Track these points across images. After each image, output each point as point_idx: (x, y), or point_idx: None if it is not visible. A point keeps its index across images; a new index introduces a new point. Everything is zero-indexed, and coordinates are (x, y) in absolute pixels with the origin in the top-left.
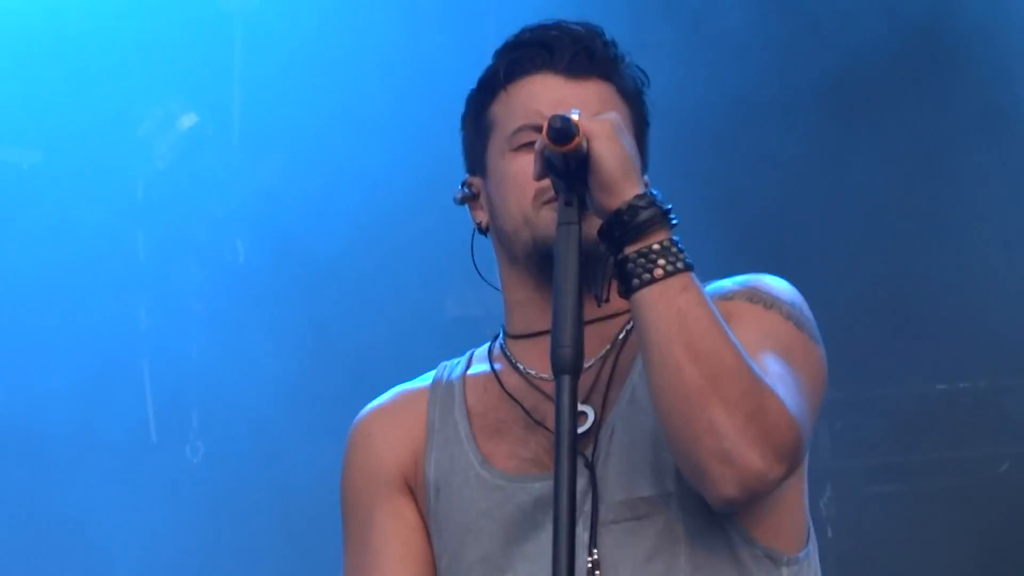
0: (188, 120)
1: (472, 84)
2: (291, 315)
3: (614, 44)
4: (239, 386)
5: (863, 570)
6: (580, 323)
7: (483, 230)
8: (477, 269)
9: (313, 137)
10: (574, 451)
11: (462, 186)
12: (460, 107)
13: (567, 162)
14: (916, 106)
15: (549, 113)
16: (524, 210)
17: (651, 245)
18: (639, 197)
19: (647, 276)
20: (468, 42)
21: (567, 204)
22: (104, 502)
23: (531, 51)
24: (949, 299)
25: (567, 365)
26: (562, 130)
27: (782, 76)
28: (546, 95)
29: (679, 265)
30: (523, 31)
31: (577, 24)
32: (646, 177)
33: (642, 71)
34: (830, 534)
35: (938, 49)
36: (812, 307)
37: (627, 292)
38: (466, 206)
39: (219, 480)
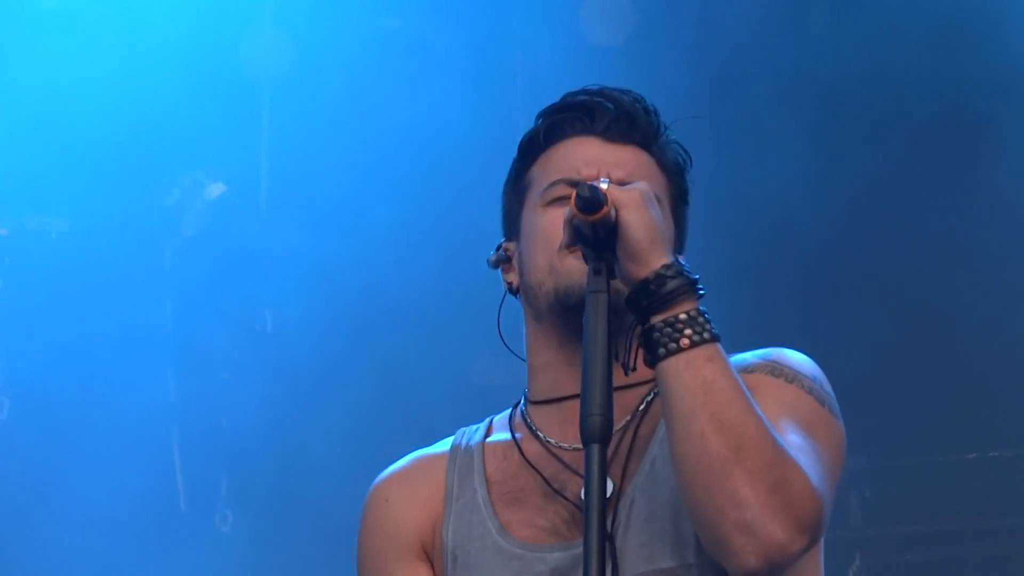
0: (216, 189)
1: (499, 148)
2: (319, 384)
3: (656, 114)
4: (269, 456)
5: None
6: (610, 391)
7: (513, 291)
8: (500, 334)
9: (340, 204)
10: (603, 519)
11: (497, 249)
12: (486, 172)
13: (595, 231)
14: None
15: (585, 170)
16: (550, 259)
17: (678, 315)
18: (667, 267)
19: (673, 346)
20: (495, 108)
21: (596, 273)
22: (134, 571)
23: (572, 115)
24: (979, 367)
25: (596, 434)
26: (591, 199)
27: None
28: (584, 153)
29: (705, 335)
30: (566, 95)
31: (620, 91)
32: (682, 256)
33: (682, 147)
34: None
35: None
36: (843, 376)
37: (653, 361)
38: (499, 270)
39: (247, 549)
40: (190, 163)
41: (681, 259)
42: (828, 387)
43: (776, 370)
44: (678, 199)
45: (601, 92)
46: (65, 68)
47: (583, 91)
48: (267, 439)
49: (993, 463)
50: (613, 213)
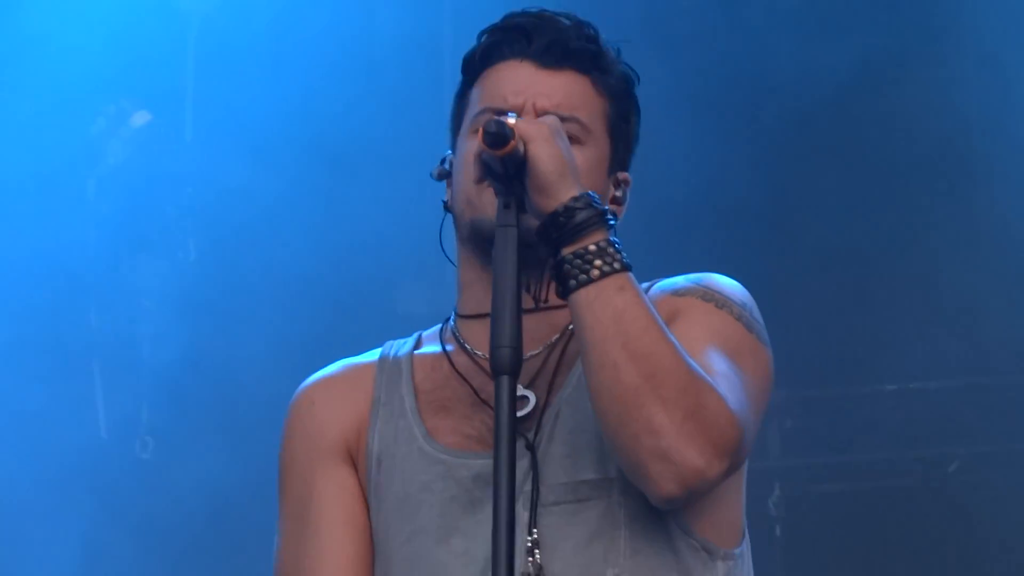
0: (141, 118)
1: (427, 71)
2: (241, 312)
3: (596, 38)
4: (190, 383)
5: (810, 569)
6: (519, 324)
7: (447, 208)
8: (442, 245)
9: (264, 133)
10: (513, 450)
11: (441, 162)
12: (414, 96)
13: (504, 165)
14: (882, 121)
15: (512, 99)
16: (468, 191)
17: (587, 246)
18: (575, 199)
19: (584, 277)
20: (423, 37)
21: (505, 207)
22: (50, 498)
23: (508, 36)
24: (900, 301)
25: (506, 366)
26: (497, 134)
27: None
28: (514, 81)
29: (616, 266)
30: (507, 16)
31: (562, 15)
32: (626, 174)
33: (630, 68)
34: (778, 532)
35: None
36: (766, 306)
37: (564, 293)
38: (444, 183)
39: (168, 476)
40: (114, 92)
41: (594, 192)
42: (757, 314)
43: (707, 295)
44: (620, 119)
45: (540, 15)
46: None
47: (523, 12)
48: (189, 367)
49: (913, 395)
50: (522, 147)
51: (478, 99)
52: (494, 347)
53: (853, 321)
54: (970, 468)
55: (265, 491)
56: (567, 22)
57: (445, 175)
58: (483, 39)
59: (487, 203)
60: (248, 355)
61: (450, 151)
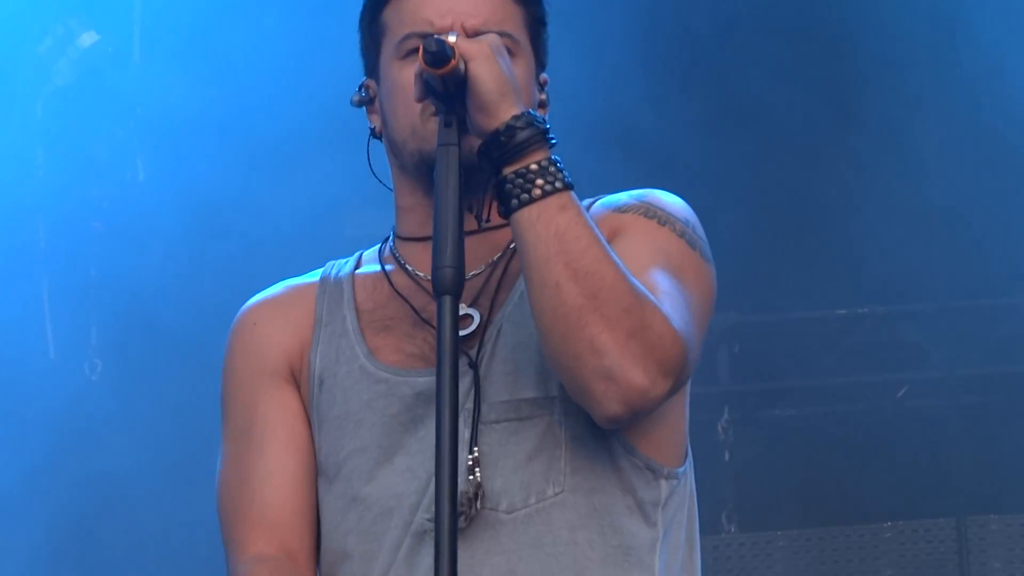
0: (88, 38)
1: None
2: (187, 234)
3: None
4: (138, 305)
5: (759, 492)
6: (461, 244)
7: (377, 135)
8: (372, 170)
9: (214, 57)
10: (455, 371)
11: (359, 89)
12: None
13: (445, 84)
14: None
15: (438, 21)
16: (412, 121)
17: (529, 165)
18: (516, 118)
19: (525, 196)
20: None
21: (446, 126)
22: (2, 419)
23: None
24: (851, 226)
25: (448, 286)
26: (438, 53)
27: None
28: (437, 3)
29: (557, 184)
30: None
31: None
32: (545, 75)
33: None
34: (727, 457)
35: None
36: (715, 231)
37: (506, 212)
38: (364, 109)
39: (116, 397)
40: (62, 11)
41: (534, 111)
42: (700, 231)
43: (649, 211)
44: (536, 24)
45: None
46: None
47: None
48: (137, 288)
49: (862, 320)
50: (462, 66)
51: (398, 23)
52: (436, 267)
53: (804, 245)
54: (920, 393)
55: (213, 413)
56: None
57: (366, 102)
58: None
59: (433, 132)
60: (196, 276)
61: (368, 74)
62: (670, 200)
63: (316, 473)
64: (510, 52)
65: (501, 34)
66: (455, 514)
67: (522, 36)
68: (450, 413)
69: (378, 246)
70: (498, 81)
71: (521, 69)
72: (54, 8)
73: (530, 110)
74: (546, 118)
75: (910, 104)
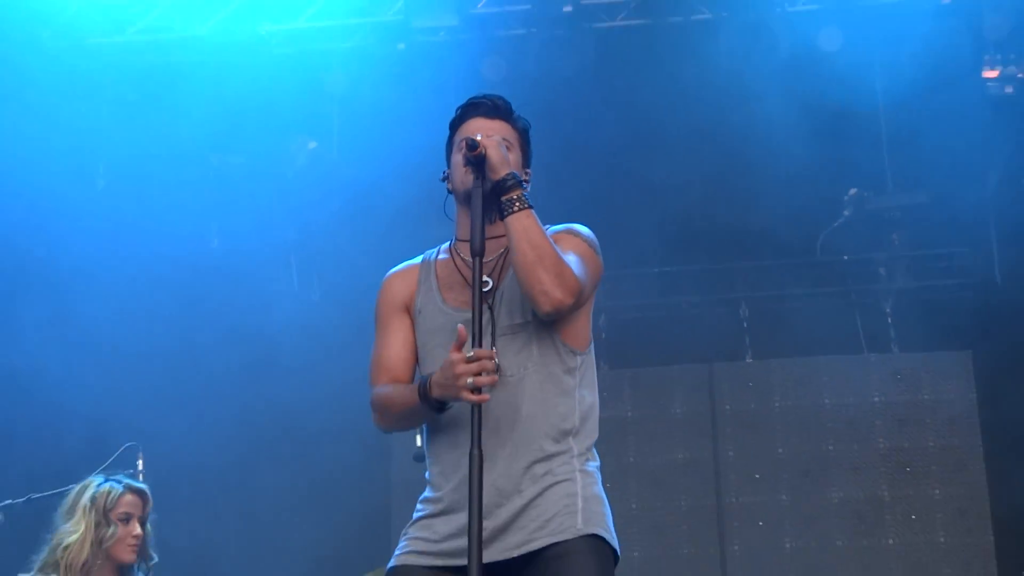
0: (311, 144)
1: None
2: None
3: (509, 105)
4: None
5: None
6: (483, 234)
7: (449, 191)
8: (445, 211)
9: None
10: (481, 299)
11: (443, 174)
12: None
13: (476, 159)
14: None
15: (473, 132)
16: (461, 177)
17: (512, 196)
18: (508, 175)
19: (511, 210)
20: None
21: (476, 178)
22: None
23: (471, 108)
24: None
25: (478, 251)
26: (471, 144)
27: None
28: (474, 125)
29: (526, 206)
30: (471, 98)
31: (493, 95)
32: (529, 169)
33: (525, 118)
34: (604, 336)
35: None
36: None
37: (502, 218)
38: (445, 182)
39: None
40: (301, 127)
41: (517, 172)
42: (596, 243)
43: (571, 231)
44: (525, 142)
45: (484, 96)
46: None
47: (477, 95)
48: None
49: None
50: (484, 151)
51: (457, 136)
52: (472, 243)
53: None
54: None
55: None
56: (496, 99)
57: (446, 177)
58: (459, 110)
59: (470, 183)
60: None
61: (446, 165)
62: (581, 227)
63: (416, 355)
64: (508, 148)
65: (504, 140)
66: (479, 543)
67: (515, 140)
68: (479, 330)
69: (448, 243)
70: (500, 158)
71: (513, 156)
72: (296, 125)
73: (514, 172)
74: (526, 181)
75: None
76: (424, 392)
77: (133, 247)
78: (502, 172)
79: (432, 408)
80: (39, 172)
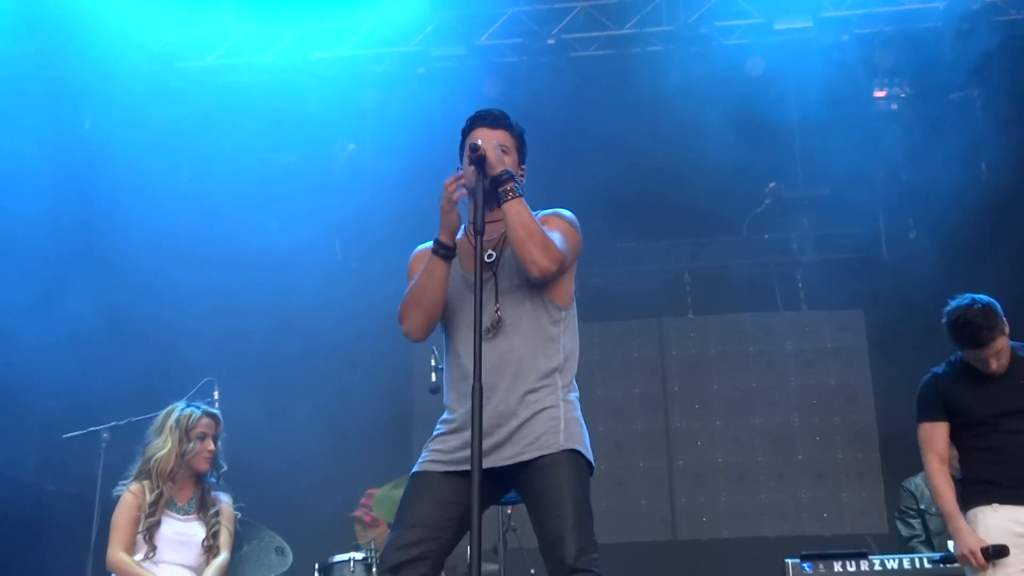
0: (352, 146)
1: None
2: None
3: (507, 117)
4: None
5: (596, 311)
6: (484, 218)
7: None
8: (466, 202)
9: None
10: (483, 266)
11: (457, 171)
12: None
13: (479, 160)
14: None
15: (479, 141)
16: (470, 178)
17: (507, 188)
18: (503, 172)
19: (505, 199)
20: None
21: (479, 174)
22: None
23: (477, 119)
24: None
25: (479, 230)
26: (475, 147)
27: None
28: (479, 133)
29: (518, 195)
30: (476, 112)
31: (495, 110)
32: (523, 167)
33: (520, 127)
34: (577, 296)
35: None
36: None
37: (499, 205)
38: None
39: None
40: (345, 132)
41: (511, 169)
42: (576, 223)
43: (557, 214)
44: (522, 145)
45: (487, 110)
46: None
47: (482, 110)
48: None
49: None
50: (483, 152)
51: (465, 142)
52: (475, 226)
53: None
54: None
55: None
56: (497, 112)
57: (460, 176)
58: (468, 121)
59: (475, 180)
60: None
61: (459, 164)
62: (567, 212)
63: (445, 299)
64: (505, 151)
65: (502, 145)
66: (479, 552)
67: (512, 145)
68: (481, 291)
69: (463, 225)
70: (497, 158)
71: (510, 157)
72: (338, 132)
73: (508, 169)
74: (521, 176)
75: None
76: (436, 246)
77: (211, 225)
78: (498, 169)
79: (441, 256)
80: (137, 166)
